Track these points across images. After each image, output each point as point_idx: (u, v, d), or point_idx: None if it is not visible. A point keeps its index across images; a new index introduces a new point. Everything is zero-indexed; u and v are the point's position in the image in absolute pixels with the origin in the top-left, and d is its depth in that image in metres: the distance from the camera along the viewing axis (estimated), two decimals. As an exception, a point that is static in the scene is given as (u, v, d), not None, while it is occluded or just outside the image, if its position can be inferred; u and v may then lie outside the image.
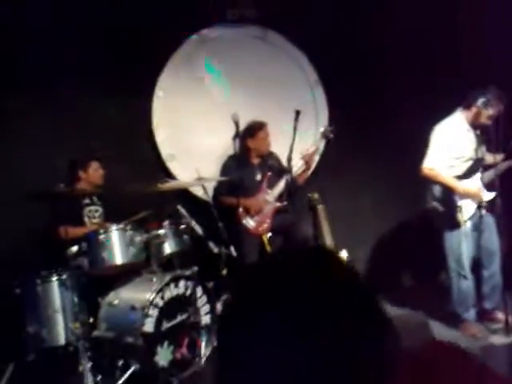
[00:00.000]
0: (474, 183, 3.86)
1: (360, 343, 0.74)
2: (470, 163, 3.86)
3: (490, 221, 3.91)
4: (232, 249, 4.10)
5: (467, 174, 3.85)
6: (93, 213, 4.01)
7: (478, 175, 3.86)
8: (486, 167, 3.90)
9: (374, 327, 0.76)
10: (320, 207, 4.93)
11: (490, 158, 3.92)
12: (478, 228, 3.88)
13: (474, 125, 3.85)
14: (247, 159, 4.54)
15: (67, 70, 4.33)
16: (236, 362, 0.76)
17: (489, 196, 3.85)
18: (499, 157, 3.87)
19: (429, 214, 4.04)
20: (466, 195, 3.79)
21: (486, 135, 3.81)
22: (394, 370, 0.76)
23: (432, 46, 4.98)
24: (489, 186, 3.87)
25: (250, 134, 4.40)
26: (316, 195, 4.94)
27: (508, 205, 3.83)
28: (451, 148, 3.81)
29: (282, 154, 4.57)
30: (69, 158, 4.01)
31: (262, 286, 0.77)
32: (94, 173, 3.97)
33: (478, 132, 3.88)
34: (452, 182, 3.81)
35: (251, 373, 0.74)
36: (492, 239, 3.92)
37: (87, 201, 4.00)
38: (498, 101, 3.70)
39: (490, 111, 3.72)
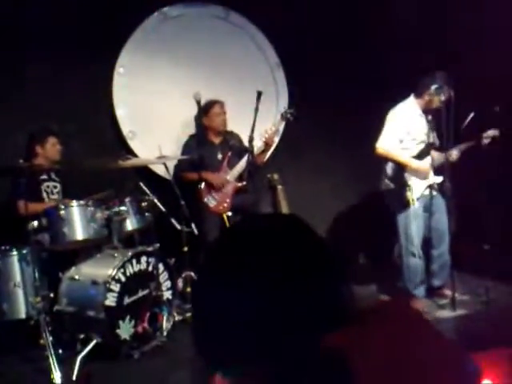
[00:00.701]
0: (426, 164, 4.04)
1: (323, 293, 0.84)
2: (421, 146, 4.04)
3: (440, 202, 4.12)
4: (193, 226, 4.17)
5: (419, 157, 4.02)
6: (51, 188, 3.97)
7: (429, 158, 4.06)
8: (438, 168, 4.09)
9: (335, 279, 0.87)
10: (279, 188, 5.07)
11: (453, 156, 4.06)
12: (428, 209, 4.08)
13: (426, 110, 4.04)
14: (207, 138, 4.59)
15: (28, 42, 4.24)
16: (212, 314, 0.85)
17: (438, 179, 4.05)
18: (455, 153, 4.05)
19: (383, 194, 4.21)
20: (417, 172, 3.97)
21: (438, 120, 3.99)
22: (350, 317, 0.86)
23: (392, 25, 5.09)
24: (437, 170, 4.08)
25: (204, 111, 4.45)
26: (276, 176, 5.06)
27: (457, 187, 4.04)
28: (404, 131, 3.98)
29: (243, 135, 4.64)
30: (27, 134, 3.94)
31: (236, 247, 0.85)
32: (52, 148, 3.92)
33: (430, 117, 4.06)
34: (404, 158, 3.98)
35: (226, 329, 0.83)
36: (442, 220, 4.13)
37: (45, 176, 3.96)
38: (449, 86, 3.86)
39: (442, 97, 3.88)
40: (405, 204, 4.00)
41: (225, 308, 0.83)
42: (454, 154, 4.05)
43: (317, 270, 0.85)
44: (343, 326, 0.84)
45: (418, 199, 4.00)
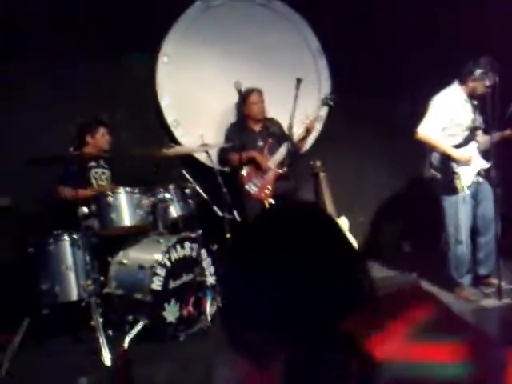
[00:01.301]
0: (471, 151, 3.96)
1: (342, 281, 0.88)
2: (466, 133, 3.96)
3: (487, 189, 4.03)
4: (235, 213, 4.22)
5: (464, 143, 3.95)
6: (99, 175, 4.11)
7: (474, 144, 3.97)
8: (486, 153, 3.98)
9: (354, 268, 0.91)
10: (322, 175, 5.05)
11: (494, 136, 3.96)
12: (475, 196, 4.00)
13: (471, 96, 3.95)
14: (247, 126, 4.63)
15: (71, 35, 4.37)
16: (239, 292, 0.90)
17: (485, 164, 3.96)
18: (498, 136, 3.95)
19: (428, 182, 4.15)
20: (460, 160, 3.89)
21: (483, 104, 3.89)
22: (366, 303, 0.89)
23: (434, 17, 4.99)
24: (485, 155, 3.98)
25: (243, 99, 4.48)
26: (318, 162, 5.04)
27: (504, 174, 3.94)
28: (447, 117, 3.91)
29: (284, 121, 4.65)
30: (77, 124, 4.08)
31: (260, 235, 0.92)
32: (101, 138, 4.05)
33: (475, 102, 3.97)
34: (446, 147, 3.92)
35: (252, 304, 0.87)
36: (489, 207, 4.04)
37: (94, 163, 4.09)
38: (493, 71, 3.77)
39: (487, 82, 3.79)
40: (453, 192, 3.93)
41: (251, 294, 0.89)
42: (497, 136, 3.94)
43: (336, 259, 0.90)
44: (358, 312, 0.87)
45: (468, 187, 3.93)
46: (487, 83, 3.79)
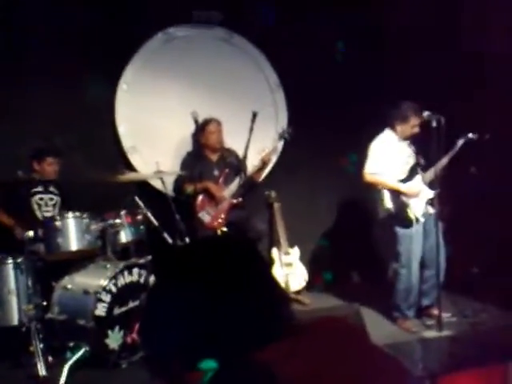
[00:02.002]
0: (416, 184, 4.14)
1: (259, 310, 0.94)
2: (407, 168, 4.16)
3: (435, 222, 4.19)
4: (187, 240, 4.26)
5: (408, 177, 4.14)
6: (45, 201, 4.08)
7: (419, 177, 4.16)
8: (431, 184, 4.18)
9: (271, 299, 0.97)
10: (276, 205, 5.16)
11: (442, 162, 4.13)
12: (425, 227, 4.16)
13: (403, 137, 4.18)
14: (204, 155, 4.71)
15: (32, 55, 4.42)
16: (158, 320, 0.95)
17: (431, 194, 4.15)
18: (444, 161, 4.13)
19: (382, 218, 4.26)
20: (409, 193, 4.07)
21: (419, 142, 4.15)
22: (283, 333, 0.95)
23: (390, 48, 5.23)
24: (430, 186, 4.17)
25: (201, 129, 4.58)
26: (273, 193, 5.16)
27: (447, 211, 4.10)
28: (388, 157, 4.12)
29: (241, 152, 4.75)
30: (29, 147, 4.09)
31: (188, 263, 0.98)
32: (47, 167, 4.02)
33: (408, 142, 4.21)
34: (393, 183, 4.11)
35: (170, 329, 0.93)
36: (437, 240, 4.19)
37: (40, 189, 4.06)
38: (414, 112, 4.05)
39: (412, 122, 4.08)
40: (407, 224, 4.08)
41: (171, 318, 0.94)
42: (444, 161, 4.13)
43: (254, 290, 0.96)
44: (274, 342, 0.93)
45: (421, 216, 4.09)
46: (413, 124, 4.07)
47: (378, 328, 3.95)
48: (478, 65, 4.62)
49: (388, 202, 4.13)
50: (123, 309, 3.56)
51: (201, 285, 0.93)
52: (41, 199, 4.04)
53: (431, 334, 3.98)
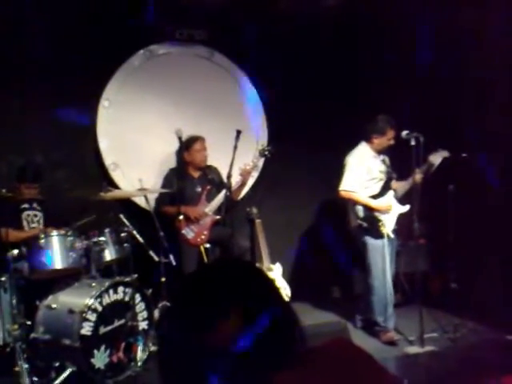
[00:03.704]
0: (388, 199, 4.29)
1: (274, 335, 0.96)
2: (381, 183, 4.32)
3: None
4: (172, 257, 4.26)
5: (381, 193, 4.30)
6: (31, 217, 4.04)
7: (391, 192, 4.31)
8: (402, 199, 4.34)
9: (285, 322, 0.99)
10: (258, 221, 5.19)
11: (415, 177, 4.27)
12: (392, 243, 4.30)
13: (379, 151, 4.34)
14: (187, 172, 4.73)
15: (13, 73, 4.38)
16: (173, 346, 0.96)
17: (403, 208, 4.28)
18: (418, 176, 4.27)
19: (354, 231, 4.38)
20: (381, 209, 4.21)
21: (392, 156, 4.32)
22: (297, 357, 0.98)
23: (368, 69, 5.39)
24: (401, 201, 4.31)
25: (186, 147, 4.60)
26: (254, 209, 5.19)
27: (426, 227, 4.22)
28: (363, 171, 4.27)
29: (222, 170, 4.79)
30: (11, 164, 4.04)
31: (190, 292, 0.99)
32: (26, 190, 3.97)
33: (383, 157, 4.38)
34: (365, 199, 4.27)
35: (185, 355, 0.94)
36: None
37: (26, 205, 4.02)
38: (390, 125, 4.24)
39: (389, 135, 4.25)
40: (379, 236, 4.19)
41: (185, 347, 0.95)
42: (418, 177, 4.25)
43: (268, 314, 0.97)
44: (290, 366, 0.95)
45: (392, 231, 4.21)
46: (389, 136, 4.24)
47: (361, 343, 4.00)
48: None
49: (361, 216, 4.25)
50: (109, 327, 3.52)
51: (217, 309, 0.94)
52: (28, 215, 3.98)
53: (414, 349, 4.06)
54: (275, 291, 1.02)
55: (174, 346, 0.97)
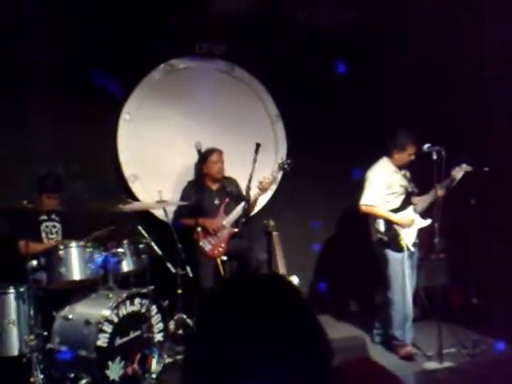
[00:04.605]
0: (409, 214, 4.24)
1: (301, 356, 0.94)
2: (401, 198, 4.27)
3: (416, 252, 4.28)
4: (188, 269, 4.27)
5: (401, 207, 4.25)
6: (50, 228, 4.10)
7: (411, 207, 4.26)
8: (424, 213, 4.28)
9: (313, 341, 0.95)
10: (275, 234, 5.18)
11: (437, 193, 4.21)
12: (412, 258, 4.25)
13: (400, 166, 4.29)
14: (205, 184, 4.75)
15: (36, 85, 4.48)
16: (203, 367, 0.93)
17: (424, 223, 4.21)
18: (441, 191, 4.20)
19: (375, 245, 4.33)
20: (403, 224, 4.15)
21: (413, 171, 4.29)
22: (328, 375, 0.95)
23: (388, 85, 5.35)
24: (423, 215, 4.26)
25: (203, 159, 4.61)
26: (272, 222, 5.18)
27: (448, 242, 4.15)
28: (384, 186, 4.23)
29: (241, 183, 4.80)
30: (32, 174, 4.12)
31: (223, 309, 0.95)
32: (47, 200, 4.02)
33: (404, 171, 4.35)
34: (387, 213, 4.23)
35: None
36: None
37: (45, 217, 4.08)
38: (411, 141, 4.19)
39: (410, 150, 4.21)
40: (399, 250, 4.16)
41: (213, 362, 0.93)
42: (440, 192, 4.18)
43: (300, 336, 0.93)
44: None
45: (413, 245, 4.17)
46: (410, 152, 4.20)
47: (379, 359, 3.94)
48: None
49: (381, 230, 4.20)
50: (124, 339, 3.54)
51: (245, 328, 0.91)
52: (46, 227, 4.05)
53: (432, 365, 3.98)
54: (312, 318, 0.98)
55: (203, 362, 0.93)
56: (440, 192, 4.16)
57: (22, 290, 3.48)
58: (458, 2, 4.56)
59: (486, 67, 4.66)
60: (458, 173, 4.20)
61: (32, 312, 3.38)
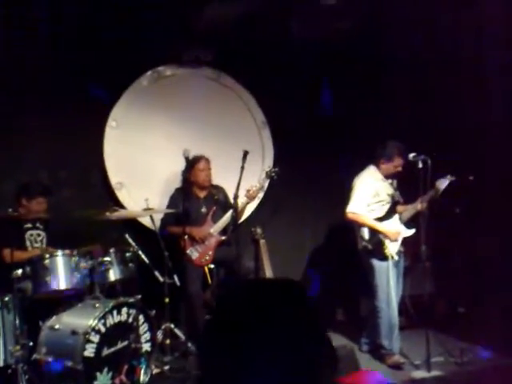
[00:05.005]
0: (394, 223, 4.27)
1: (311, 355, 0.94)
2: (387, 207, 4.30)
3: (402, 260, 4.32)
4: (176, 278, 4.24)
5: (387, 216, 4.28)
6: (34, 237, 4.02)
7: (397, 216, 4.29)
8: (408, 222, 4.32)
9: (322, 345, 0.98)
10: (262, 242, 5.17)
11: (418, 206, 4.26)
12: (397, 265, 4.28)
13: (386, 175, 4.33)
14: (192, 192, 4.72)
15: (19, 92, 4.42)
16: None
17: (409, 232, 4.25)
18: (425, 203, 4.25)
19: (360, 253, 4.35)
20: (384, 234, 4.18)
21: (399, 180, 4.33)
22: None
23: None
24: (407, 224, 4.29)
25: (190, 166, 4.58)
26: (259, 230, 5.18)
27: (433, 251, 4.19)
28: (371, 194, 4.26)
29: (228, 191, 4.78)
30: (17, 184, 4.04)
31: (240, 311, 0.96)
32: (37, 206, 3.95)
33: (391, 181, 4.38)
34: (372, 222, 4.25)
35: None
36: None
37: (29, 225, 4.01)
38: (399, 152, 4.22)
39: (396, 162, 4.25)
40: (383, 258, 4.18)
41: (226, 366, 0.92)
42: (423, 205, 4.22)
43: (310, 340, 0.96)
44: None
45: (397, 253, 4.19)
46: (397, 163, 4.24)
47: (367, 367, 3.95)
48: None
49: (366, 238, 4.23)
50: (112, 349, 3.48)
51: (258, 333, 0.92)
52: (31, 235, 3.98)
53: (420, 374, 4.00)
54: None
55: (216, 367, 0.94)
56: (423, 205, 4.21)
57: (6, 299, 3.40)
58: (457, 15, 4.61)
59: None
60: (443, 184, 4.25)
61: (17, 322, 3.31)
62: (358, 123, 5.36)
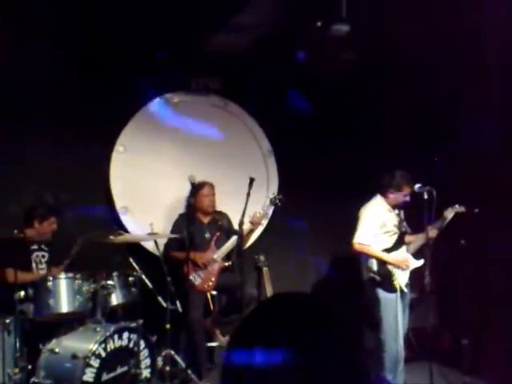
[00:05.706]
0: (402, 254, 4.23)
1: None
2: (394, 237, 4.26)
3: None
4: (178, 304, 4.21)
5: (394, 247, 4.23)
6: (40, 258, 4.04)
7: (404, 247, 4.26)
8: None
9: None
10: (265, 269, 5.16)
11: (430, 233, 4.24)
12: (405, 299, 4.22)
13: (393, 205, 4.30)
14: (196, 217, 4.73)
15: (29, 115, 4.49)
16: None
17: (418, 263, 4.21)
18: (434, 232, 4.24)
19: (365, 284, 4.31)
20: (394, 264, 4.14)
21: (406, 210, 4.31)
22: None
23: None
24: (415, 255, 4.25)
25: (194, 191, 4.60)
26: (262, 257, 5.17)
27: (437, 283, 4.15)
28: (378, 224, 4.22)
29: (233, 217, 4.80)
30: (25, 205, 4.08)
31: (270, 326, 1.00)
32: (48, 226, 4.01)
33: (397, 211, 4.34)
34: (380, 253, 4.20)
35: None
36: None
37: (35, 246, 4.03)
38: (407, 182, 4.19)
39: (404, 191, 4.21)
40: (392, 290, 4.12)
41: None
42: (433, 232, 4.21)
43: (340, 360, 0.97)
44: None
45: (406, 285, 4.14)
46: (405, 192, 4.19)
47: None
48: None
49: (374, 269, 4.19)
50: (111, 375, 3.45)
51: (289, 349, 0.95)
52: (37, 256, 3.99)
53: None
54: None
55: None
56: (432, 233, 4.19)
57: (7, 321, 3.39)
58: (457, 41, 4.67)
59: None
60: (450, 213, 4.24)
61: (18, 344, 3.29)
62: (363, 155, 5.38)
